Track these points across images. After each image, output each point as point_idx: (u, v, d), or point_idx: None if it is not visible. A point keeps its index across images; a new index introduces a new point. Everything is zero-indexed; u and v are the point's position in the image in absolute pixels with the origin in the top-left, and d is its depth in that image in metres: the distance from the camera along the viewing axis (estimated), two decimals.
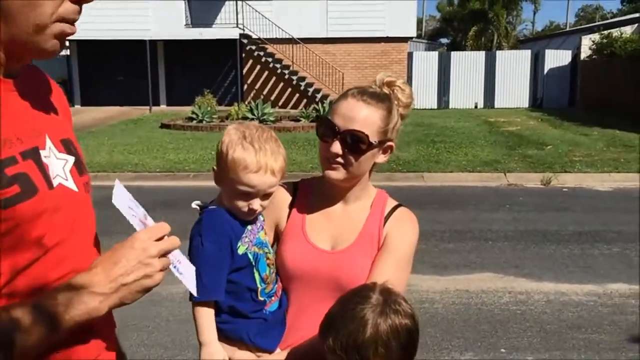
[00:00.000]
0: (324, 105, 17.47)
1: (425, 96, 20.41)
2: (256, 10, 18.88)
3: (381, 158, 1.59)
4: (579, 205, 7.86)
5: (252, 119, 15.41)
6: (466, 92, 21.41)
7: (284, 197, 1.64)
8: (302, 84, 19.75)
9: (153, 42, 19.57)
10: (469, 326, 4.18)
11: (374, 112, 1.51)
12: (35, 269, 1.01)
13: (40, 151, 1.05)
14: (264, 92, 20.03)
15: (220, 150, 1.40)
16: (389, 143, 1.57)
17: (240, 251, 1.43)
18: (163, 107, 21.03)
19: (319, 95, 19.34)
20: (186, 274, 1.15)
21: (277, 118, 16.28)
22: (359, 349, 1.22)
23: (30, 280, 1.00)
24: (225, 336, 1.44)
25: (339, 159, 1.50)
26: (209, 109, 16.49)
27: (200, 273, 1.30)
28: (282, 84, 20.23)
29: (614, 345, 3.89)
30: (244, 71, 20.27)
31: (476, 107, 21.28)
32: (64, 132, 1.16)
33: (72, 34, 1.03)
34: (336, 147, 1.49)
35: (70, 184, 1.10)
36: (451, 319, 4.29)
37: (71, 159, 1.13)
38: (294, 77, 19.77)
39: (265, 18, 19.19)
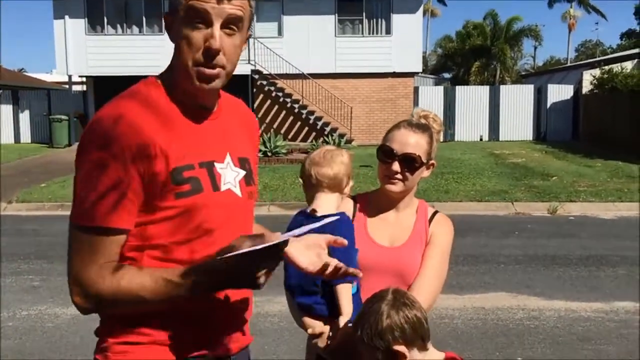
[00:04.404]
0: (333, 137, 18.02)
1: None
2: (267, 47, 19.54)
3: (426, 173, 2.04)
4: (584, 232, 8.24)
5: (265, 152, 15.89)
6: (471, 125, 21.96)
7: (349, 207, 2.07)
8: (312, 117, 20.30)
9: None
10: (487, 338, 4.54)
11: (422, 138, 1.96)
12: (192, 245, 1.40)
13: (217, 164, 1.45)
14: (275, 126, 20.58)
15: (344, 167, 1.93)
16: (432, 161, 2.02)
17: None
18: None
19: (327, 129, 19.87)
20: None
21: (288, 150, 16.77)
22: (380, 336, 1.55)
23: (187, 250, 1.40)
24: (315, 314, 1.84)
25: (398, 176, 1.94)
26: None
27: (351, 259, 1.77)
28: (291, 117, 20.78)
29: (622, 356, 4.24)
30: (255, 105, 20.86)
31: (481, 139, 21.79)
32: (243, 152, 1.55)
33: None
34: (396, 166, 1.93)
35: (237, 191, 1.49)
36: (470, 333, 4.66)
37: (242, 173, 1.52)
38: (304, 111, 20.33)
39: (276, 54, 19.84)
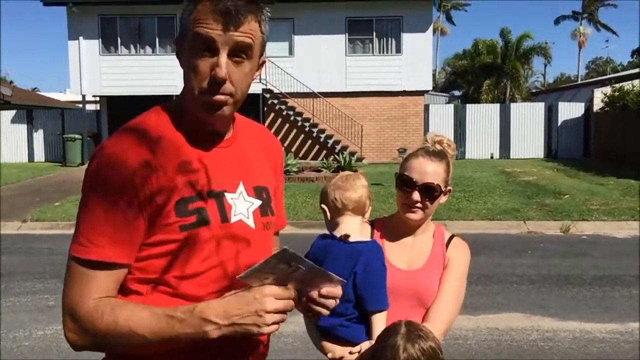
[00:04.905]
0: (344, 156, 18.07)
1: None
2: (278, 66, 19.71)
3: (443, 199, 2.06)
4: (598, 251, 8.19)
5: None
6: (482, 143, 21.97)
7: (367, 232, 2.10)
8: (322, 135, 20.40)
9: None
10: (502, 359, 4.52)
11: (439, 167, 1.99)
12: (201, 280, 1.34)
13: (227, 194, 1.38)
14: (285, 144, 20.68)
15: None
16: (449, 187, 2.05)
17: None
18: None
19: (338, 147, 19.95)
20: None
21: (299, 169, 16.83)
22: None
23: (195, 285, 1.33)
24: (336, 336, 1.86)
25: (418, 205, 1.97)
26: None
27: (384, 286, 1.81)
28: (302, 135, 20.89)
29: None
30: (266, 124, 20.99)
31: (492, 157, 21.78)
32: (260, 180, 1.48)
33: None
34: (416, 195, 1.95)
35: (250, 222, 1.40)
36: (484, 353, 4.64)
37: (257, 203, 1.44)
38: (314, 130, 20.44)
39: (287, 74, 20.01)
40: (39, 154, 22.64)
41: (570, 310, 5.64)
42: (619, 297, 6.03)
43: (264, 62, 1.41)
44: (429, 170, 1.95)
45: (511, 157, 21.77)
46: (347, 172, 2.02)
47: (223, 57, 1.28)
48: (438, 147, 2.05)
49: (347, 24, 20.89)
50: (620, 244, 8.80)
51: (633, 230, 9.59)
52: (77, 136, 20.64)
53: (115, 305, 1.27)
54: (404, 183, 1.98)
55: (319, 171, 16.68)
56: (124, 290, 1.33)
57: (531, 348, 4.75)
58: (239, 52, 1.30)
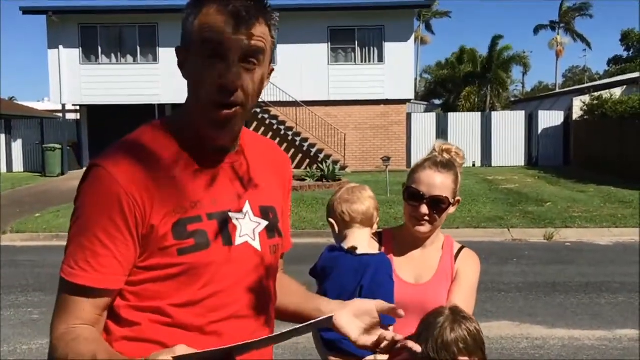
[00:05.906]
0: (327, 164, 18.07)
1: (423, 155, 21.02)
2: None
3: (452, 209, 2.04)
4: (582, 258, 8.28)
5: None
6: (464, 151, 22.11)
7: (374, 243, 2.07)
8: (305, 144, 20.40)
9: (162, 106, 20.29)
10: None
11: (448, 178, 1.96)
12: (200, 308, 1.24)
13: (232, 213, 1.27)
14: None
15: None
16: (458, 198, 2.03)
17: None
18: None
19: (321, 155, 19.96)
20: None
21: None
22: (446, 348, 1.58)
23: (193, 314, 1.23)
24: (341, 349, 1.84)
25: (426, 217, 1.94)
26: None
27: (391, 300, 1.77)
28: (285, 144, 20.83)
29: None
30: None
31: (474, 165, 21.94)
32: (268, 200, 1.36)
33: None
34: (424, 209, 1.92)
35: (256, 244, 1.30)
36: None
37: (264, 223, 1.33)
38: (298, 138, 20.44)
39: (270, 82, 19.84)
40: (18, 164, 22.32)
41: (558, 318, 5.67)
42: (606, 304, 6.09)
43: (272, 70, 1.31)
44: (437, 183, 1.92)
45: (493, 165, 21.97)
46: (352, 184, 2.00)
47: (234, 63, 1.19)
48: (446, 156, 2.02)
49: (329, 33, 20.97)
50: (603, 250, 8.91)
51: (615, 237, 9.72)
52: (56, 146, 20.37)
53: (75, 339, 1.16)
54: (412, 196, 1.95)
55: (303, 180, 16.64)
56: (119, 320, 1.23)
57: (522, 357, 4.76)
58: (251, 57, 1.20)
